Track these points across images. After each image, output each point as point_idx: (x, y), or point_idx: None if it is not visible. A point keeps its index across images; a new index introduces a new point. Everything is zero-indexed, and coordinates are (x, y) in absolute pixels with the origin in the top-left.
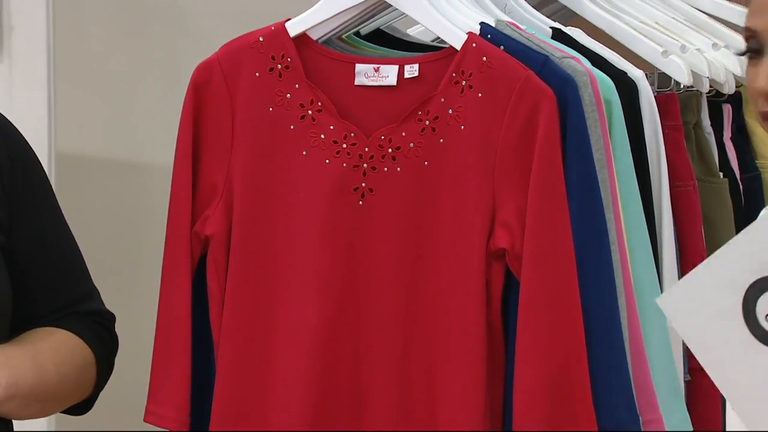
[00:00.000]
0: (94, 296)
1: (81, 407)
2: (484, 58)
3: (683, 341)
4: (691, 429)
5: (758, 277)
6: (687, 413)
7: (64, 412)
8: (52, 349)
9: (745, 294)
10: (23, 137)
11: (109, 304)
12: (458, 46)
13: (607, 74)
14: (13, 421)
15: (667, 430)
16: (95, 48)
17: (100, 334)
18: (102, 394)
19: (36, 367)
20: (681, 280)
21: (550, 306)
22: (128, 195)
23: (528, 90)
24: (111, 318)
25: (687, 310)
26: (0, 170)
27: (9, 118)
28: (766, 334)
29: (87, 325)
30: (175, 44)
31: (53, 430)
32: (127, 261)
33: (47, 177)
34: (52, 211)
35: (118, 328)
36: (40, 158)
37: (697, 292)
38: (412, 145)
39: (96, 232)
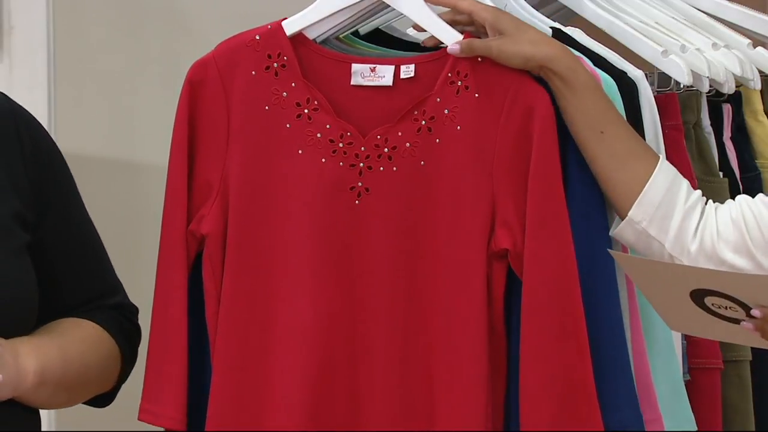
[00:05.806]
0: (120, 290)
1: (104, 398)
2: (480, 59)
3: (682, 342)
4: (696, 429)
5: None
6: (691, 413)
7: (88, 403)
8: (78, 340)
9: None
10: (45, 129)
11: None
12: None
13: (607, 74)
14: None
15: (668, 429)
16: (95, 48)
17: (126, 327)
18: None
19: (63, 356)
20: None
21: (552, 307)
22: (128, 195)
23: (523, 90)
24: (135, 311)
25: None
26: (25, 161)
27: None
28: (710, 310)
29: (113, 317)
30: (174, 44)
31: (53, 430)
32: (127, 260)
33: (69, 169)
34: (77, 204)
35: None
36: None
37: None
38: (408, 144)
39: None
